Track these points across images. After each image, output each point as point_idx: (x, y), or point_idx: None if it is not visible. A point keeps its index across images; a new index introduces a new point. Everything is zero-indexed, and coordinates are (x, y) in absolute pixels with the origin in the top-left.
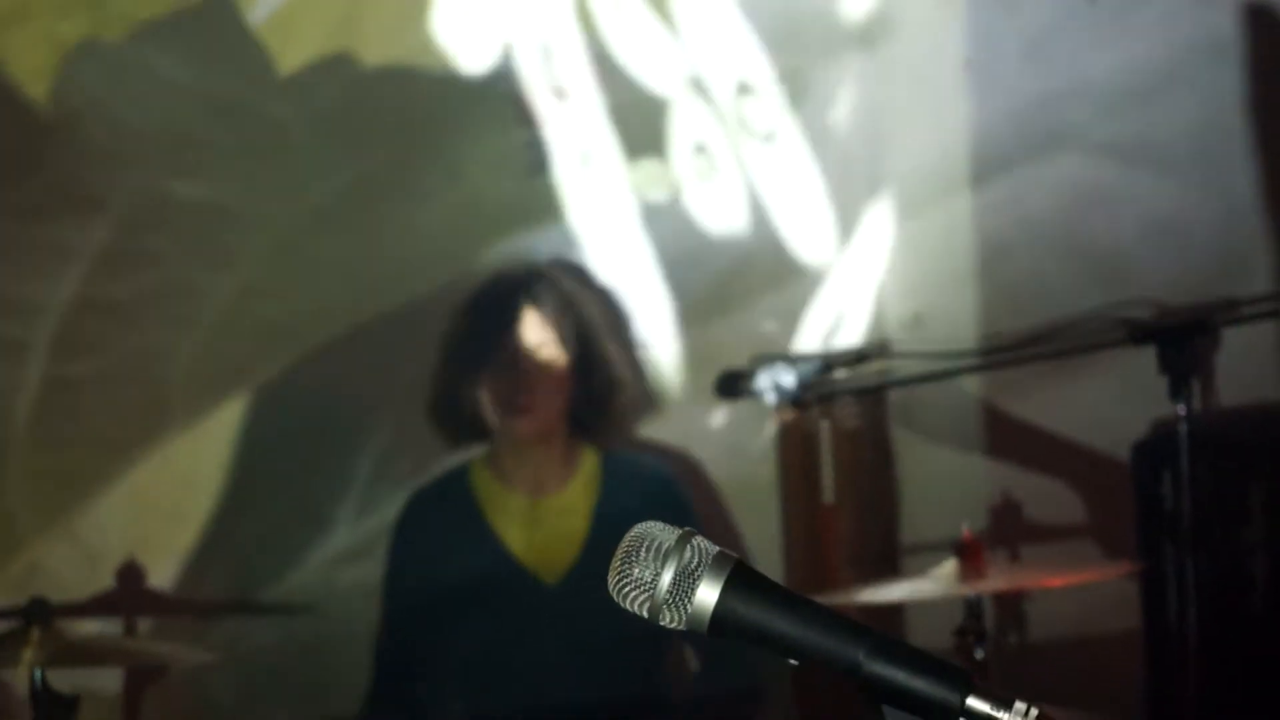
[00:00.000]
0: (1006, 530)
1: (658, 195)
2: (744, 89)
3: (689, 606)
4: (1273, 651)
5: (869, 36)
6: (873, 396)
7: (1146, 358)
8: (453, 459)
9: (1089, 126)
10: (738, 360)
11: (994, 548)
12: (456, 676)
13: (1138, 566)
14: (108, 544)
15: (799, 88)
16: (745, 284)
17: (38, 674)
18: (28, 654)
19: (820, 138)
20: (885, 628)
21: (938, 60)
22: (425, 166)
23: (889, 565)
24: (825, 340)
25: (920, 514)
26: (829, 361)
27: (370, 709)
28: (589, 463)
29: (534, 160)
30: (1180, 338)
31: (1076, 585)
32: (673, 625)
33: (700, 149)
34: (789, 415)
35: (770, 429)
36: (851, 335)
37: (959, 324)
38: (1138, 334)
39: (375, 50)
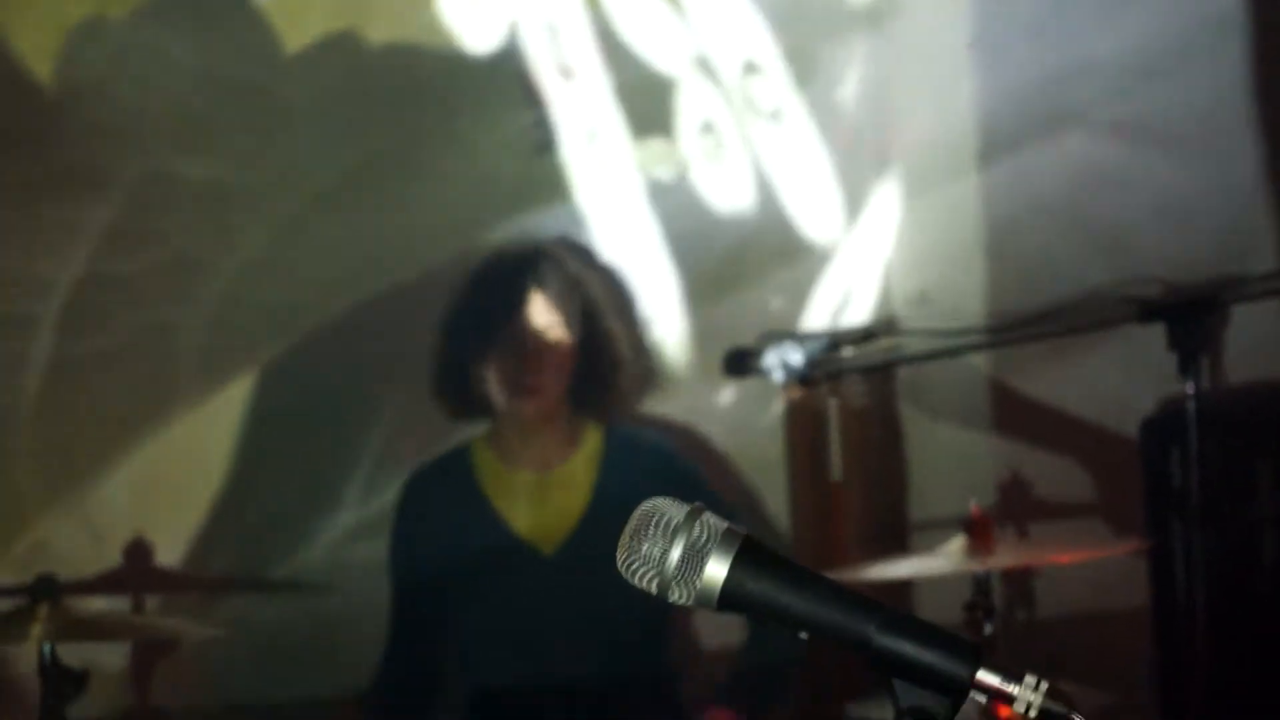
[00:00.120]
0: (1015, 507)
1: (664, 174)
2: (750, 68)
3: (698, 582)
4: None
5: (875, 15)
6: (880, 374)
7: (1155, 335)
8: (459, 436)
9: (1095, 105)
10: (745, 339)
11: (1002, 524)
12: (462, 650)
13: (1146, 543)
14: (114, 523)
15: (806, 67)
16: (752, 262)
17: (47, 649)
18: (36, 629)
19: (827, 116)
20: (894, 604)
21: (944, 39)
22: (431, 145)
23: (897, 542)
24: (833, 318)
25: (928, 491)
26: (836, 339)
27: (380, 683)
28: (591, 439)
29: (541, 139)
30: (1189, 315)
31: (1085, 562)
32: (682, 601)
33: (707, 127)
34: (797, 393)
35: (778, 407)
36: (859, 313)
37: (966, 302)
38: (1146, 311)
39: (381, 29)
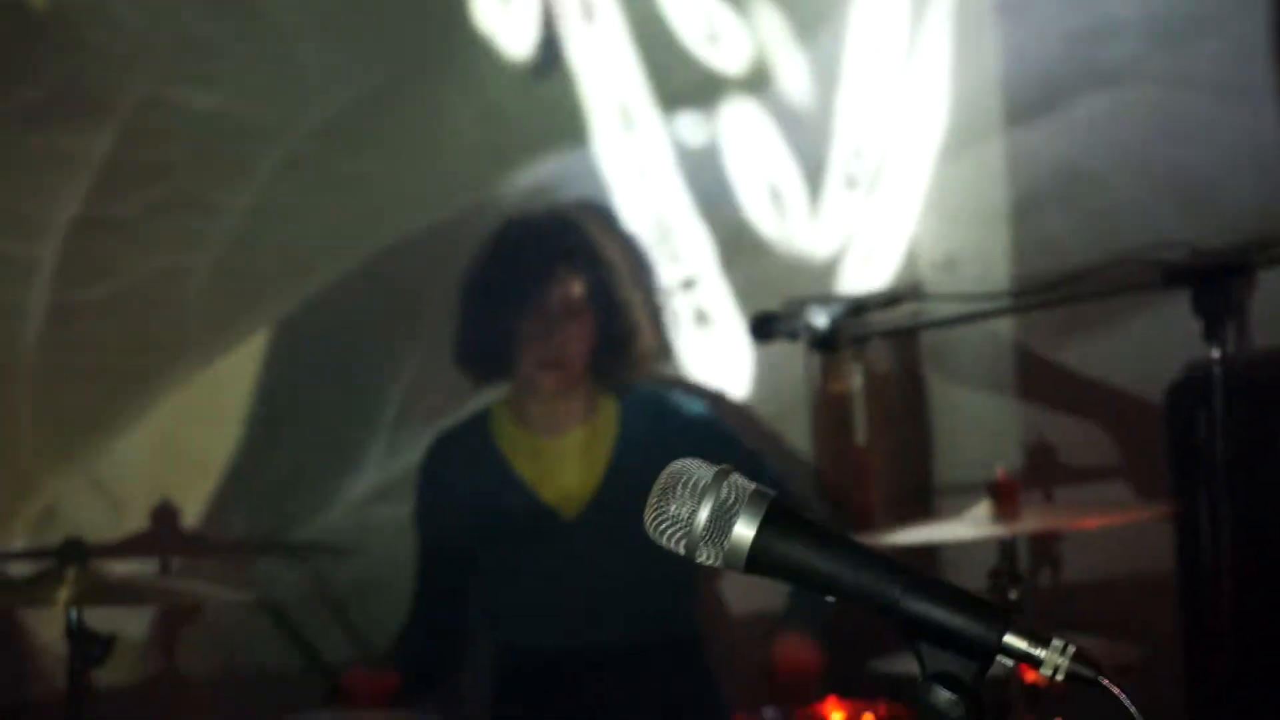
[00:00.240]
0: (1040, 472)
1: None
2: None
3: (726, 543)
4: None
5: None
6: (905, 339)
7: (1180, 300)
8: (479, 396)
9: (1121, 68)
10: (770, 302)
11: (1028, 489)
12: (487, 614)
13: (1172, 508)
14: (129, 486)
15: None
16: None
17: (73, 613)
18: (63, 593)
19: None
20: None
21: (971, 2)
22: (441, 77)
23: (922, 507)
24: (858, 282)
25: (953, 456)
26: (861, 304)
27: (404, 647)
28: (609, 404)
29: (545, 59)
30: (1214, 280)
31: (1110, 527)
32: (710, 562)
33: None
34: (822, 357)
35: (803, 371)
36: (884, 277)
37: (992, 266)
38: (1172, 276)
39: None
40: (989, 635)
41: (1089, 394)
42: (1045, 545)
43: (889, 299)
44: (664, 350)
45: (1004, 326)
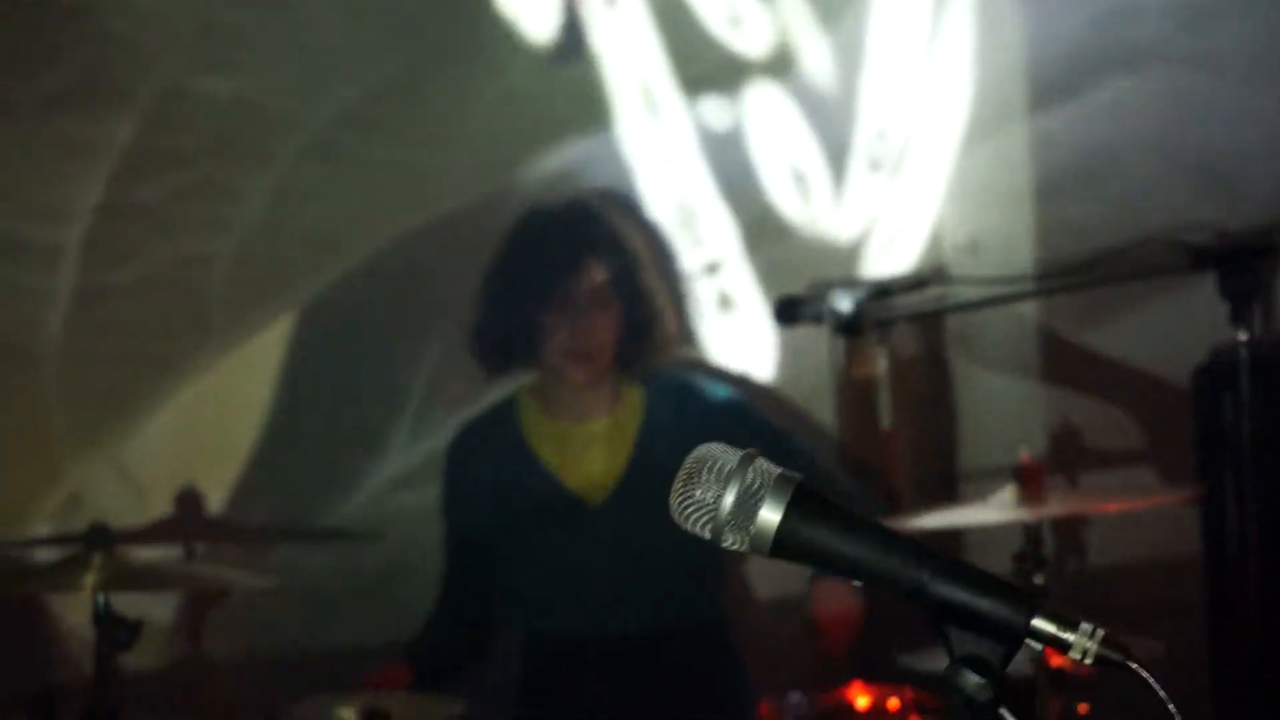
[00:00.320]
0: (1065, 456)
1: (715, 105)
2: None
3: (752, 528)
4: None
5: None
6: (930, 322)
7: (1206, 283)
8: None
9: (1144, 51)
10: (795, 286)
11: (1053, 474)
12: (513, 600)
13: (1197, 492)
14: (154, 472)
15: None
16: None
17: (100, 599)
18: (90, 579)
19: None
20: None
21: None
22: (464, 62)
23: (947, 491)
24: (882, 266)
25: (978, 440)
26: (886, 287)
27: (431, 633)
28: (634, 391)
29: (568, 44)
30: (1240, 262)
31: (1136, 511)
32: (735, 546)
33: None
34: (846, 341)
35: (828, 355)
36: (908, 261)
37: (1016, 250)
38: (1197, 259)
39: None
40: (1017, 618)
41: (1114, 377)
42: (1070, 529)
43: (913, 282)
44: (688, 335)
45: (1028, 310)
